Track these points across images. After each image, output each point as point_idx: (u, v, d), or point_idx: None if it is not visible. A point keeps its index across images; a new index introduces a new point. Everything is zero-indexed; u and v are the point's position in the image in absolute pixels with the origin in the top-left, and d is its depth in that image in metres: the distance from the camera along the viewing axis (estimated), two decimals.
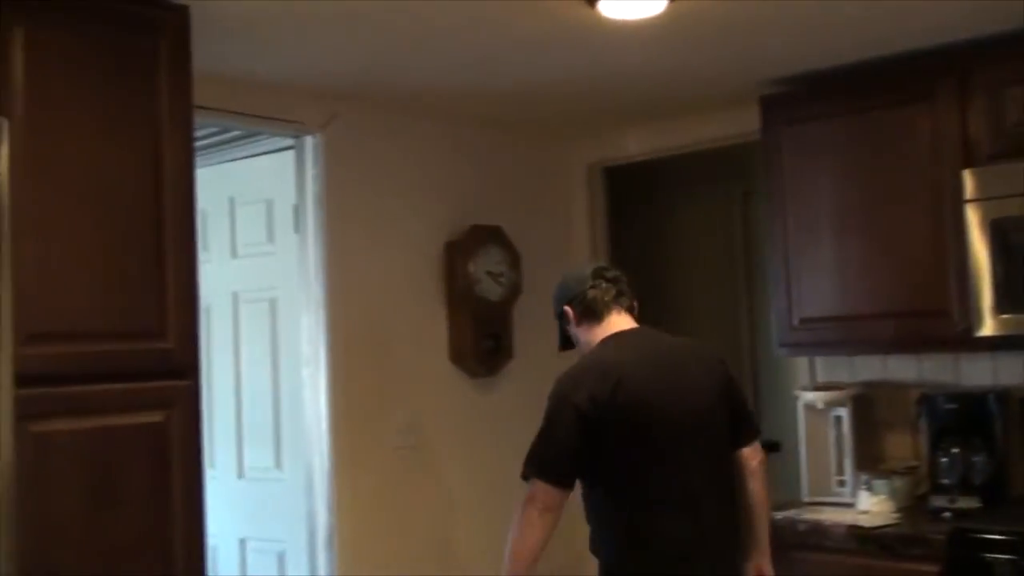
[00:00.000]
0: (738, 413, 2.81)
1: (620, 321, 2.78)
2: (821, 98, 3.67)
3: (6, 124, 2.05)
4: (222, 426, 4.01)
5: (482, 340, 4.14)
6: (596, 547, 2.73)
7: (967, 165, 3.29)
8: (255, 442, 3.95)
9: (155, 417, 2.51)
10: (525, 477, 2.63)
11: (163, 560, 2.49)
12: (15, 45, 2.34)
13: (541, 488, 2.60)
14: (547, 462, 2.61)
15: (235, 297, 4.03)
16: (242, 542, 3.98)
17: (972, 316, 3.24)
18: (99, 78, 2.49)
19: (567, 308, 2.82)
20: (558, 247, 4.60)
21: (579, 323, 2.81)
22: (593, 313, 2.78)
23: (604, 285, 2.79)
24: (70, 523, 2.35)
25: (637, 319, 2.84)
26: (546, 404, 2.67)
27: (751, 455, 2.81)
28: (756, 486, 2.81)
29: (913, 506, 3.44)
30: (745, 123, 3.94)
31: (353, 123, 3.84)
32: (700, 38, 3.27)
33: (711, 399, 2.72)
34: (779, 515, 3.48)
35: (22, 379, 2.08)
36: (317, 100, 3.72)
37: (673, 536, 2.60)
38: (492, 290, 4.17)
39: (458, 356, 4.10)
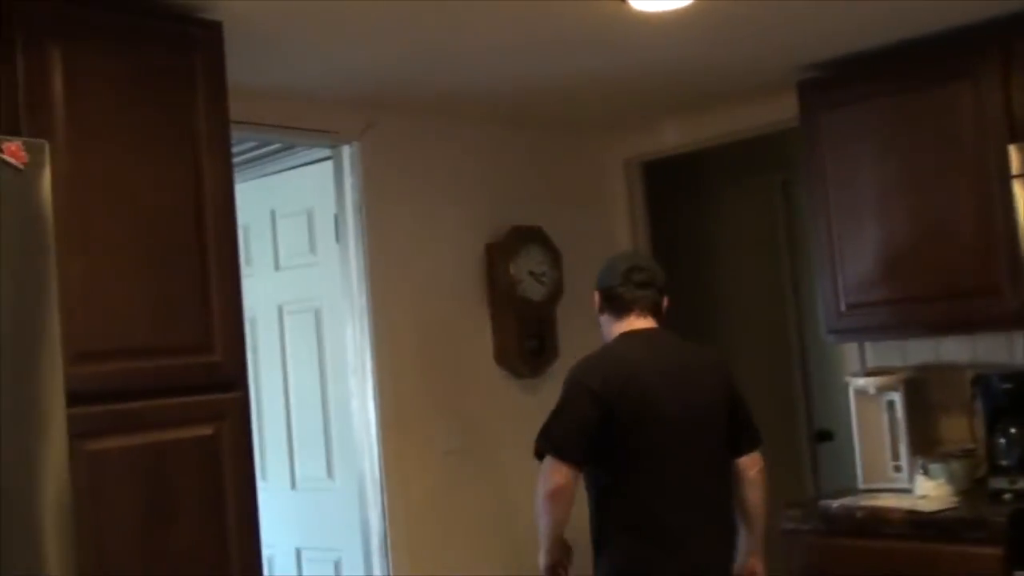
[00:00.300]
0: (740, 422, 2.93)
1: (639, 321, 2.92)
2: (859, 80, 3.62)
3: (47, 147, 2.07)
4: (273, 438, 4.04)
5: (526, 340, 4.13)
6: (596, 537, 2.86)
7: (1012, 140, 3.22)
8: (306, 453, 3.97)
9: (206, 430, 2.53)
10: (539, 454, 2.79)
11: (219, 572, 2.51)
12: (54, 68, 2.38)
13: (552, 466, 2.74)
14: (560, 439, 2.77)
15: (280, 309, 4.06)
16: (298, 552, 4.00)
17: None
18: (136, 96, 2.52)
19: (596, 294, 3.01)
20: (599, 244, 4.57)
21: (602, 312, 2.99)
22: (616, 309, 2.95)
23: (632, 287, 2.92)
24: (126, 539, 2.37)
25: (663, 316, 2.97)
26: (561, 388, 2.84)
27: (750, 464, 2.93)
28: (753, 495, 2.93)
29: (972, 489, 3.38)
30: (783, 110, 3.91)
31: (389, 130, 3.85)
32: (732, 26, 3.24)
33: (712, 400, 2.87)
34: (835, 503, 3.45)
35: (73, 397, 2.10)
36: (352, 109, 3.74)
37: (667, 526, 2.75)
38: (534, 290, 4.16)
39: (503, 357, 4.10)
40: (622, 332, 2.91)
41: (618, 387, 2.74)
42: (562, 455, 2.74)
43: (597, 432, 2.74)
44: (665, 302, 2.96)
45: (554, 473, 2.74)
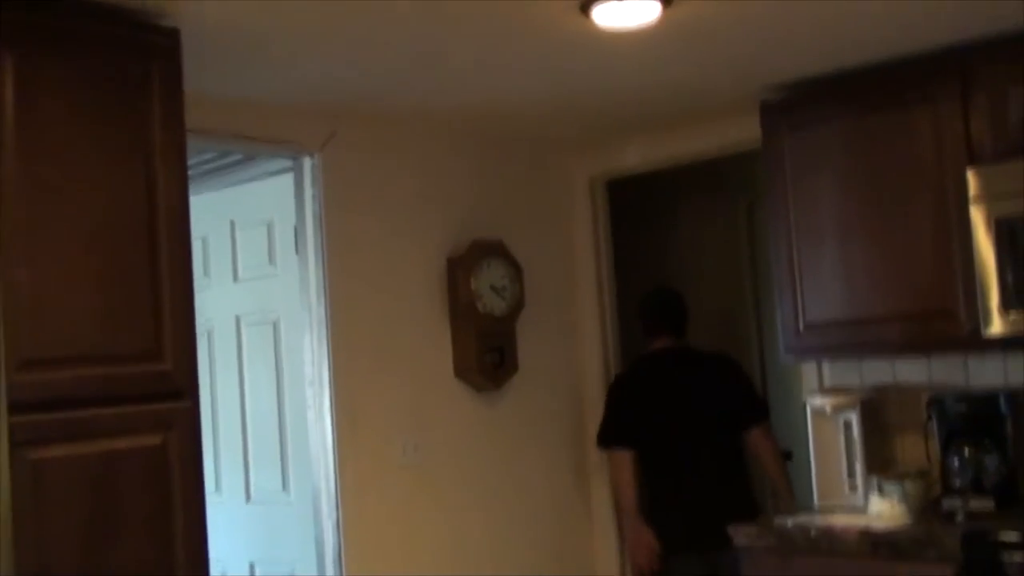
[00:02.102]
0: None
1: (660, 341, 4.24)
2: (822, 102, 3.65)
3: None
4: (228, 450, 4.00)
5: (486, 354, 4.11)
6: None
7: (971, 164, 3.26)
8: (261, 465, 3.94)
9: (154, 440, 2.49)
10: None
11: None
12: (6, 70, 2.34)
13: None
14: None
15: (238, 320, 4.03)
16: (251, 566, 3.96)
17: (980, 316, 3.20)
18: (91, 102, 2.49)
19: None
20: (561, 260, 4.59)
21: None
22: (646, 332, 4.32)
23: (651, 318, 4.27)
24: (69, 551, 2.32)
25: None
26: None
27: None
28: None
29: (925, 509, 3.39)
30: (747, 131, 3.91)
31: (351, 142, 3.83)
32: (697, 45, 3.25)
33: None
34: (790, 521, 3.46)
35: (16, 406, 2.08)
36: (314, 120, 3.72)
37: None
38: (495, 304, 4.14)
39: (463, 371, 4.08)
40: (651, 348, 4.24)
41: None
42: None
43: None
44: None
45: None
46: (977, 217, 3.21)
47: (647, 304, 4.30)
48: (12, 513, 2.08)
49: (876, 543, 3.19)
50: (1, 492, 2.10)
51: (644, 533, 4.02)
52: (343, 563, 3.63)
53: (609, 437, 4.15)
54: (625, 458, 4.06)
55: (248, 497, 3.97)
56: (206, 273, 4.00)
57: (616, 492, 4.19)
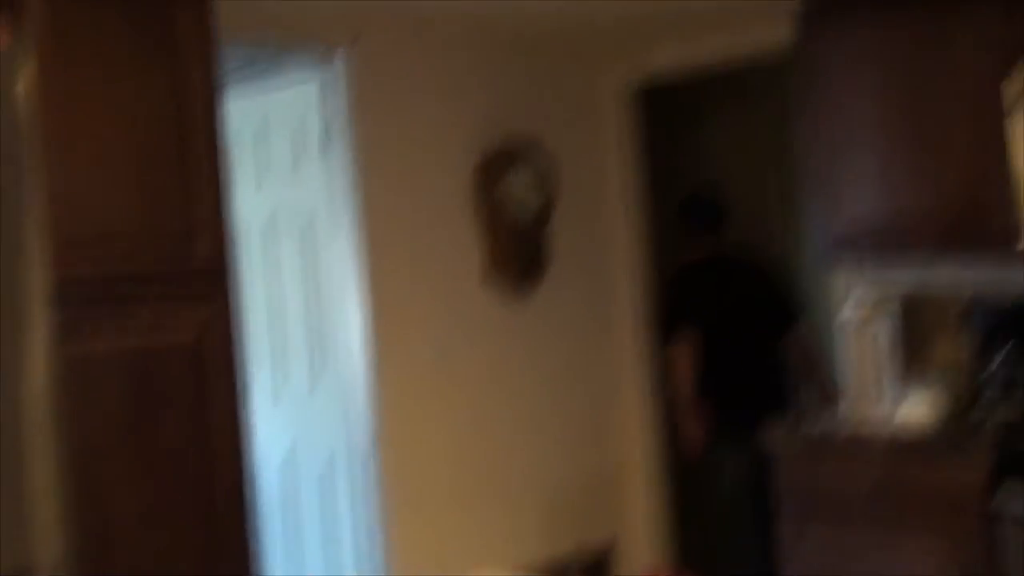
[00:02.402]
0: None
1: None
2: (858, 6, 3.56)
3: (22, 46, 2.02)
4: (260, 351, 4.02)
5: (514, 260, 4.10)
6: None
7: (1012, 67, 3.18)
8: (291, 367, 3.97)
9: (192, 325, 2.51)
10: None
11: (208, 466, 2.51)
12: None
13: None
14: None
15: (267, 224, 4.02)
16: (282, 464, 4.01)
17: (1015, 225, 3.15)
18: None
19: None
20: (590, 167, 4.55)
21: None
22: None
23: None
24: (111, 433, 2.36)
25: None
26: None
27: None
28: None
29: (955, 416, 3.39)
30: (781, 35, 3.83)
31: (379, 45, 3.78)
32: None
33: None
34: (819, 427, 3.47)
35: (55, 300, 2.10)
36: (343, 21, 3.66)
37: None
38: (523, 210, 4.12)
39: (491, 276, 4.07)
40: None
41: None
42: None
43: None
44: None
45: None
46: (1019, 119, 3.15)
47: (691, 209, 4.42)
48: (54, 404, 2.10)
49: (905, 447, 3.21)
50: (42, 384, 2.11)
51: (696, 423, 4.19)
52: (373, 460, 3.68)
53: (672, 326, 4.29)
54: (685, 350, 4.19)
55: (277, 398, 4.00)
56: (235, 178, 3.97)
57: (675, 383, 4.30)
